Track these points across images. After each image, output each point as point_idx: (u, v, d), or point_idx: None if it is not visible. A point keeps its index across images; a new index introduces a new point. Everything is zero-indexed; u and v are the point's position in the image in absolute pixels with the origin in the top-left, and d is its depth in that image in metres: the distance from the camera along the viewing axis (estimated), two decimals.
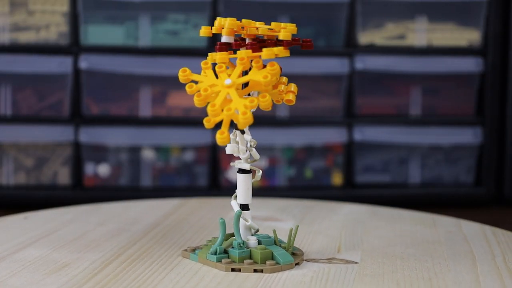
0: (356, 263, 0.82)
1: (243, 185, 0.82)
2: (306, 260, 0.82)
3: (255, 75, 0.75)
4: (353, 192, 2.03)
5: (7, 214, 1.07)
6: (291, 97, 0.80)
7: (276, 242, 0.82)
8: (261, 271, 0.78)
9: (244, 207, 0.82)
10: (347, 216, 1.08)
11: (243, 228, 0.82)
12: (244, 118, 0.71)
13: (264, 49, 0.75)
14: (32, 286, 0.74)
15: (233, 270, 0.78)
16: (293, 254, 0.82)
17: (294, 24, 0.79)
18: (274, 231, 0.82)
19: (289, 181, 2.05)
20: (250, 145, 0.82)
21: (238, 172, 0.82)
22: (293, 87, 0.81)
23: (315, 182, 2.05)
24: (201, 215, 1.07)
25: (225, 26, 0.79)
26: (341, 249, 0.88)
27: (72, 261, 0.82)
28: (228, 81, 0.75)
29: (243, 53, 0.76)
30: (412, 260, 0.84)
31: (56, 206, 1.20)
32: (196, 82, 0.77)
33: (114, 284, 0.75)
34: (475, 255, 0.86)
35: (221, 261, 0.79)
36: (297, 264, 0.80)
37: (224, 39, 0.79)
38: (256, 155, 0.82)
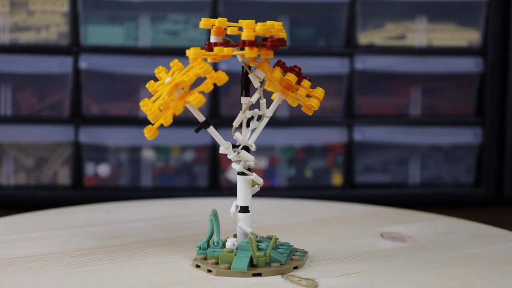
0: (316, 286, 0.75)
1: (240, 187, 0.81)
2: (283, 274, 0.77)
3: (185, 75, 0.75)
4: (353, 192, 2.03)
5: (7, 214, 1.07)
6: (314, 103, 0.79)
7: (251, 248, 0.78)
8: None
9: (243, 209, 0.81)
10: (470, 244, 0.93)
11: (239, 230, 0.81)
12: (149, 115, 0.74)
13: (191, 48, 0.76)
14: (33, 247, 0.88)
15: (198, 266, 0.79)
16: (269, 264, 0.78)
17: (272, 23, 0.78)
18: (249, 237, 0.78)
19: (289, 181, 2.05)
20: (248, 146, 0.80)
21: (237, 173, 0.81)
22: (319, 92, 0.79)
23: (315, 182, 2.05)
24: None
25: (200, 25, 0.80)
26: (352, 272, 0.80)
27: (100, 240, 0.93)
28: (167, 80, 0.77)
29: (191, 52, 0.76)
30: None
31: (56, 206, 1.20)
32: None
33: (91, 257, 0.84)
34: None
35: (197, 257, 0.80)
36: (258, 274, 0.76)
37: (212, 39, 0.79)
38: (247, 157, 0.80)
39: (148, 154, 2.01)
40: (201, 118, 0.78)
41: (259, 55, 0.77)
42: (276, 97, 0.82)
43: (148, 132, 0.75)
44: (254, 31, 0.76)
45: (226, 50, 0.76)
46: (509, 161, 2.07)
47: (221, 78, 0.74)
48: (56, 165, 1.99)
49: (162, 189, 2.00)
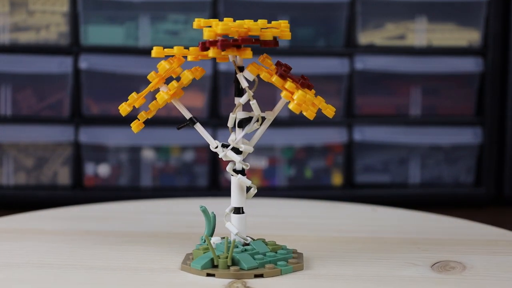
0: None
1: (232, 188, 0.79)
2: (237, 279, 0.74)
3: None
4: (353, 192, 2.03)
5: (7, 214, 1.07)
6: (292, 107, 0.75)
7: (210, 248, 0.77)
8: None
9: (236, 210, 0.79)
10: None
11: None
12: (119, 107, 0.82)
13: (155, 47, 0.78)
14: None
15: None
16: (229, 266, 0.76)
17: (278, 22, 0.77)
18: (206, 236, 0.78)
19: (289, 181, 2.05)
20: (239, 146, 0.78)
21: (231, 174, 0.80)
22: (297, 95, 0.75)
23: (315, 182, 2.05)
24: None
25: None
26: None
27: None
28: None
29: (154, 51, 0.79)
30: None
31: (56, 206, 1.21)
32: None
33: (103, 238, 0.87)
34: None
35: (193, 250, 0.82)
36: (212, 275, 0.75)
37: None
38: (233, 158, 0.78)
39: (148, 154, 2.01)
40: (187, 115, 0.79)
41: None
42: (280, 100, 0.81)
43: (133, 125, 0.81)
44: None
45: (192, 50, 0.77)
46: (509, 161, 2.07)
47: (183, 77, 0.78)
48: (56, 165, 1.99)
49: (162, 189, 2.00)
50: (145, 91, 0.81)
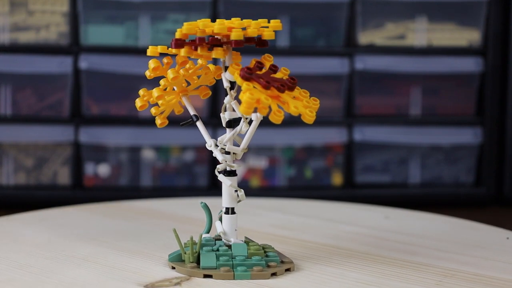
0: None
1: (223, 188, 0.79)
2: (188, 276, 0.75)
3: None
4: (353, 192, 2.03)
5: (7, 214, 1.07)
6: (241, 109, 0.71)
7: (178, 243, 0.77)
8: None
9: (227, 210, 0.79)
10: None
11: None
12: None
13: (150, 46, 0.79)
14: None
15: None
16: (191, 262, 0.76)
17: (269, 21, 0.77)
18: (174, 230, 0.78)
19: (289, 181, 2.05)
20: (222, 145, 0.78)
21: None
22: (244, 97, 0.71)
23: (315, 182, 2.05)
24: None
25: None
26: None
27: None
28: None
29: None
30: None
31: (56, 206, 1.21)
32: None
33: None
34: None
35: None
36: (173, 268, 0.76)
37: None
38: (218, 157, 0.78)
39: (148, 154, 2.01)
40: (192, 112, 0.80)
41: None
42: None
43: (157, 120, 0.82)
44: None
45: (175, 50, 0.78)
46: (509, 161, 2.07)
47: (167, 76, 0.79)
48: (56, 165, 1.99)
49: (162, 189, 2.00)
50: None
